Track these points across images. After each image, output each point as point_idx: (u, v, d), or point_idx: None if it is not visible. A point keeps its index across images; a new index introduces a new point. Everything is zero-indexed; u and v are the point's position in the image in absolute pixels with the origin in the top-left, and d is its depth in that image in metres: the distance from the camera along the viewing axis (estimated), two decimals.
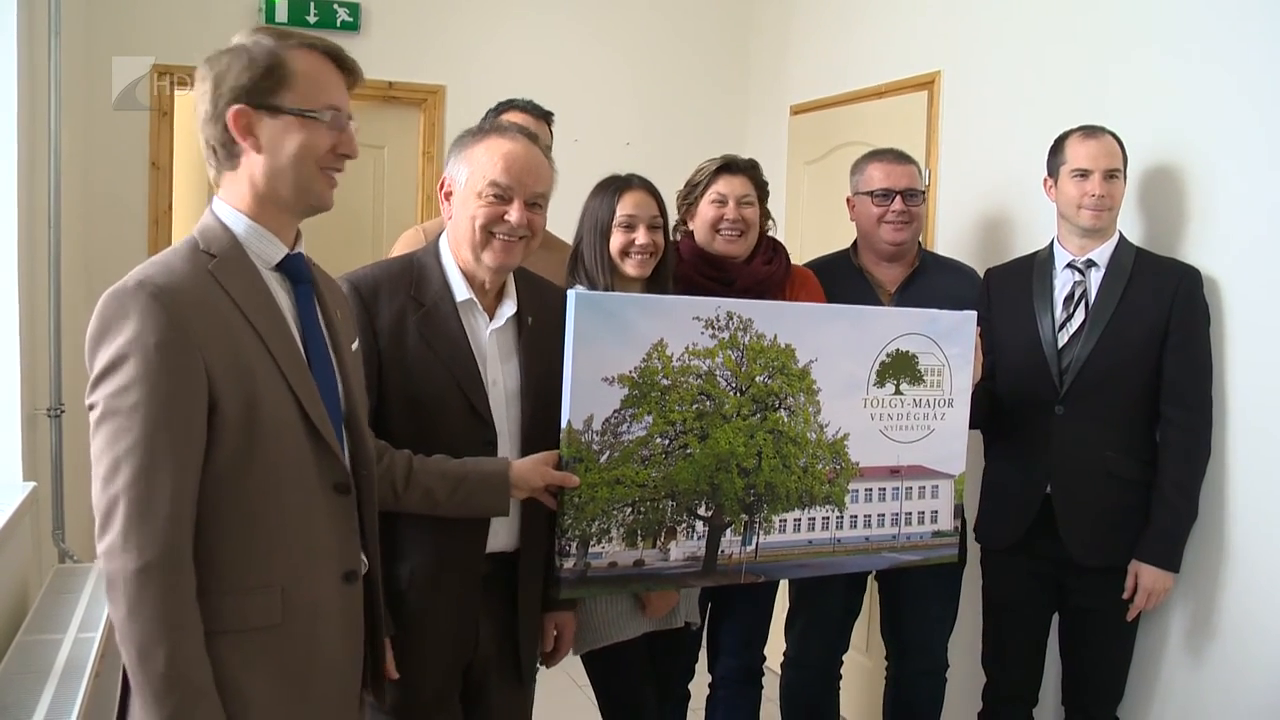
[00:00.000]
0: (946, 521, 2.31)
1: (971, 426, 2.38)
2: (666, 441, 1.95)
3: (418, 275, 1.93)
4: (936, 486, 2.30)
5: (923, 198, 2.75)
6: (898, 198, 2.68)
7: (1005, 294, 2.61)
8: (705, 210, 2.55)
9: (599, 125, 4.12)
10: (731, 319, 2.06)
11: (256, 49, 1.44)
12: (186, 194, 3.97)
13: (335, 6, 3.86)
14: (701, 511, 2.04)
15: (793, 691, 2.84)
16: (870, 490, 2.22)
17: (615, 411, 1.88)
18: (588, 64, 4.23)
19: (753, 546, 2.09)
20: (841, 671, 2.90)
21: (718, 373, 2.02)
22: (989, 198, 3.14)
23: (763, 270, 2.54)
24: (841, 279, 2.74)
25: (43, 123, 2.84)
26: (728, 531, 2.05)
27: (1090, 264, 2.49)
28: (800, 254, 3.90)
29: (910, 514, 2.28)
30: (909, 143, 3.36)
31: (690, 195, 2.60)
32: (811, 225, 3.92)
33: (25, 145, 2.63)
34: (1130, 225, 2.63)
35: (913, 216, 2.70)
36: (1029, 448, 2.52)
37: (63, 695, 1.92)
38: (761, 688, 2.74)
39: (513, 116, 2.71)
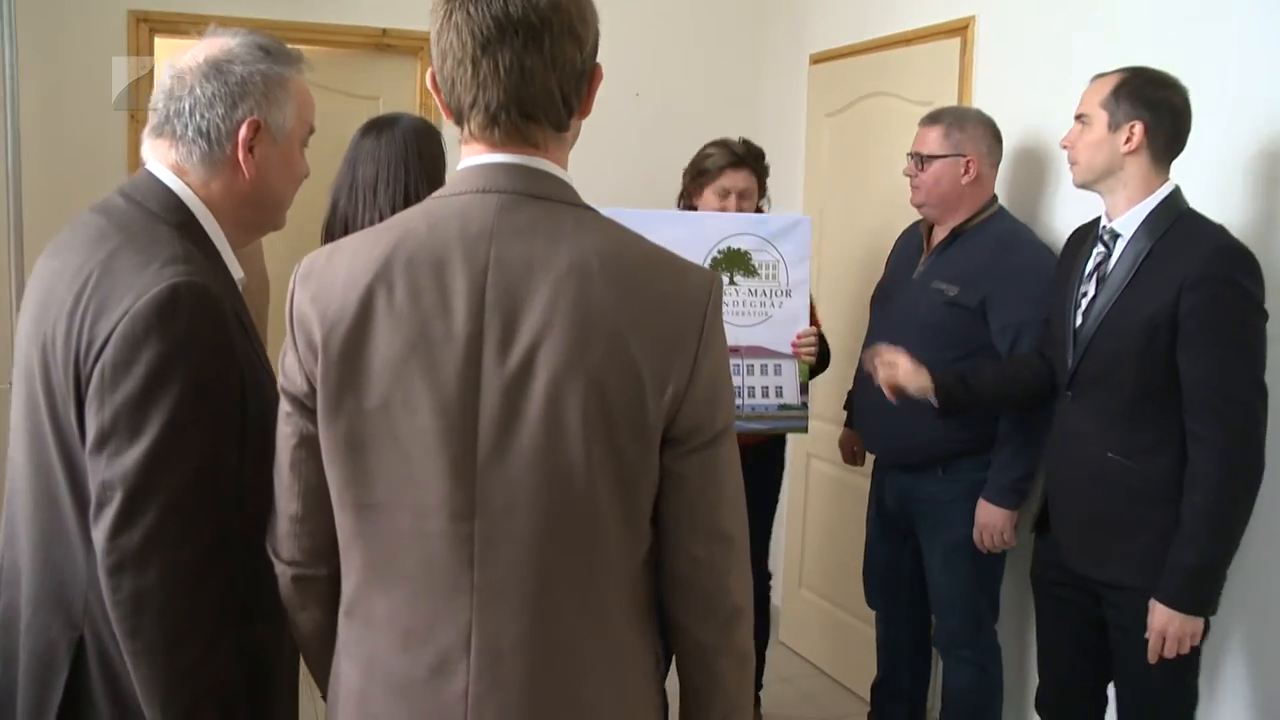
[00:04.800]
0: (792, 396, 2.64)
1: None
2: None
3: (208, 262, 1.35)
4: (779, 365, 2.63)
5: (932, 162, 2.64)
6: (910, 160, 2.71)
7: (1065, 258, 2.36)
8: (709, 199, 2.80)
9: (607, 75, 3.86)
10: None
11: None
12: None
13: None
14: None
15: None
16: None
17: None
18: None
19: None
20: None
21: None
22: (1024, 150, 2.93)
23: None
24: (905, 234, 2.93)
25: None
26: None
27: (1115, 235, 2.14)
28: (821, 213, 3.72)
29: (753, 388, 2.60)
30: (940, 93, 3.16)
31: (698, 179, 2.83)
32: (833, 181, 3.72)
33: None
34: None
35: (921, 182, 2.66)
36: (1049, 434, 2.34)
37: None
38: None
39: None
